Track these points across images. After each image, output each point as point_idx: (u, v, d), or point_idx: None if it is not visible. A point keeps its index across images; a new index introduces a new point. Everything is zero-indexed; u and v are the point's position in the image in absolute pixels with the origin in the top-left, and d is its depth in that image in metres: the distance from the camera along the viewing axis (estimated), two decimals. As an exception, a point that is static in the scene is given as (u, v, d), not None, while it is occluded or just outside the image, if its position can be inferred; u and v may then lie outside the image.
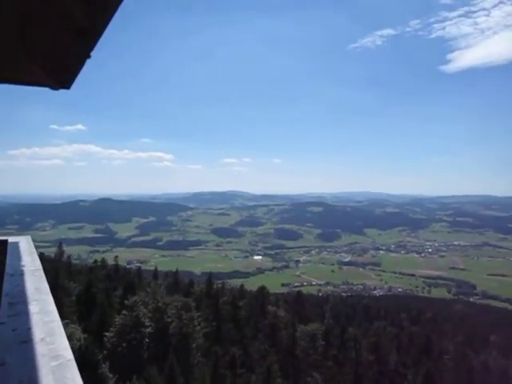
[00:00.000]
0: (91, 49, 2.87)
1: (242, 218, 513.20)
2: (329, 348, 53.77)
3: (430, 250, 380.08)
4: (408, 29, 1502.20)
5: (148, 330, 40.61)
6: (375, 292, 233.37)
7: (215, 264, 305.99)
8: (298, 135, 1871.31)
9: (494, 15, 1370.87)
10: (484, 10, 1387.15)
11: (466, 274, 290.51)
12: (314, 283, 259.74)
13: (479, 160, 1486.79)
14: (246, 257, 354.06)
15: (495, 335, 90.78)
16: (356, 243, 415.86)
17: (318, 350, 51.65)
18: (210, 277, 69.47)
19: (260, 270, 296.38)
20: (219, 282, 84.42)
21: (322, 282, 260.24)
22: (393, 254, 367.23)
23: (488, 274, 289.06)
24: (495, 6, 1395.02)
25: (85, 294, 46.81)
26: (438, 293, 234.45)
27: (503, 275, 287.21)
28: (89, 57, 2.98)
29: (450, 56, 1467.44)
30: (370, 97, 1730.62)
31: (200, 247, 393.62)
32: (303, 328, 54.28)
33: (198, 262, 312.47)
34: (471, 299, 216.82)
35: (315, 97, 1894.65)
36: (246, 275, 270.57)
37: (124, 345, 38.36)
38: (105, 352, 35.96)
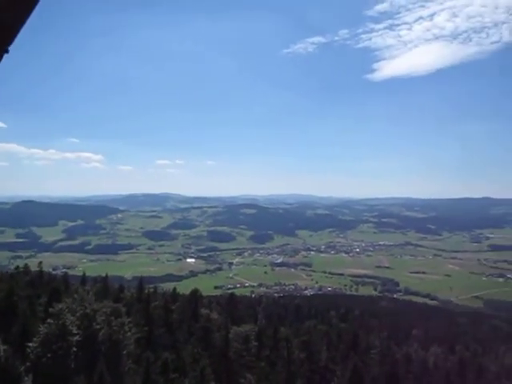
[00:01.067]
0: (9, 43, 2.69)
1: (175, 220, 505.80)
2: (262, 348, 54.37)
3: (357, 250, 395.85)
4: (337, 38, 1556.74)
5: (75, 338, 38.86)
6: (306, 292, 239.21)
7: (147, 268, 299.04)
8: (231, 137, 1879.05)
9: (415, 29, 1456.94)
10: (406, 23, 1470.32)
11: (391, 272, 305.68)
12: (247, 285, 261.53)
13: (403, 164, 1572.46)
14: (179, 260, 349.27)
15: (416, 329, 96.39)
16: (288, 244, 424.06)
17: (251, 350, 52.07)
18: (140, 281, 67.91)
19: (193, 273, 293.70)
20: (151, 286, 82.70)
21: (255, 284, 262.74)
22: (323, 255, 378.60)
23: (410, 272, 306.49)
24: (416, 20, 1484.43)
25: (4, 302, 43.97)
26: (365, 290, 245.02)
27: (423, 272, 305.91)
28: (7, 51, 2.81)
29: (375, 65, 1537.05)
30: (302, 101, 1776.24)
31: (131, 251, 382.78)
32: (236, 330, 54.51)
33: (128, 267, 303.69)
34: (395, 296, 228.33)
35: (249, 99, 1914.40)
36: (179, 278, 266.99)
37: (49, 355, 36.44)
38: (27, 364, 33.99)
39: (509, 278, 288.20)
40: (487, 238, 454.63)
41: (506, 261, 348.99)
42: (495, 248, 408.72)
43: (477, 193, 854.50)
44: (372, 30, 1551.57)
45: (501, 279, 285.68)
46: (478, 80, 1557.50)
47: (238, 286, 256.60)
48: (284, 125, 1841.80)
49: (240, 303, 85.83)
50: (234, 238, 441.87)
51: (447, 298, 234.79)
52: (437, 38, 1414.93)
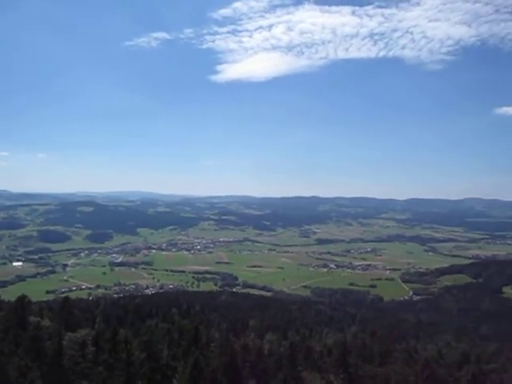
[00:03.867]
0: None
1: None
2: (99, 353, 51.77)
3: (198, 247, 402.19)
4: (182, 36, 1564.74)
5: None
6: (148, 291, 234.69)
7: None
8: (68, 130, 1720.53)
9: (256, 38, 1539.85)
10: (248, 31, 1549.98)
11: (230, 267, 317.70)
12: (83, 287, 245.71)
13: (241, 164, 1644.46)
14: (4, 264, 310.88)
15: (254, 319, 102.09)
16: (128, 243, 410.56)
17: (87, 356, 49.25)
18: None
19: (20, 278, 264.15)
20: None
21: (93, 286, 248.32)
22: (164, 253, 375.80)
23: (248, 266, 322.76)
24: (256, 29, 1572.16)
25: None
26: (206, 286, 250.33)
27: (260, 266, 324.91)
28: None
29: (219, 67, 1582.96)
30: (144, 97, 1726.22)
31: None
32: (71, 336, 50.95)
33: None
34: (234, 289, 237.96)
35: (86, 90, 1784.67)
36: (3, 284, 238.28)
37: None
38: None
39: (331, 267, 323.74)
40: (314, 233, 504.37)
41: (329, 252, 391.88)
42: (321, 241, 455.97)
43: (306, 192, 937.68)
44: (216, 33, 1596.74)
45: (325, 269, 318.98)
46: (308, 90, 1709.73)
47: (74, 288, 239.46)
48: (125, 119, 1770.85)
49: (76, 307, 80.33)
50: (69, 237, 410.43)
51: (281, 288, 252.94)
52: (274, 48, 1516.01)
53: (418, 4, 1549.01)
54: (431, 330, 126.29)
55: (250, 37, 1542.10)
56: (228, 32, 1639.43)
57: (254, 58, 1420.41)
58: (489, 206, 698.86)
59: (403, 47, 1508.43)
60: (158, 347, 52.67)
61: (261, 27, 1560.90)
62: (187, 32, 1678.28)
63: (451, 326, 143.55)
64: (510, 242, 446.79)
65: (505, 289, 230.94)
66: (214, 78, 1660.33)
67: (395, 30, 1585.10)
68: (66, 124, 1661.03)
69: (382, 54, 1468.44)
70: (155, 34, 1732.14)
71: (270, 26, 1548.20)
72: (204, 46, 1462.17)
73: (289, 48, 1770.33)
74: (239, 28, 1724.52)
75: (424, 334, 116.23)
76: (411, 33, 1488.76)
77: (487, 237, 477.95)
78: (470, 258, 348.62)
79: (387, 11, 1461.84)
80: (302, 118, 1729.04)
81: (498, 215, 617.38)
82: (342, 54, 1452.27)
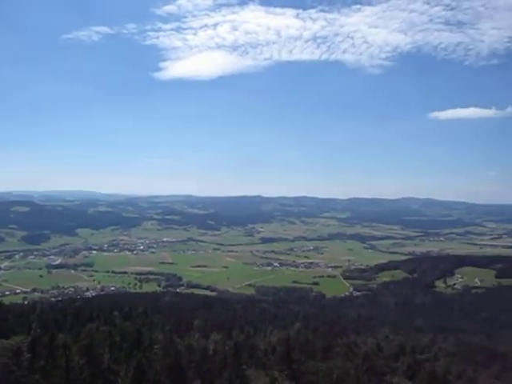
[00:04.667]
0: None
1: None
2: (36, 360, 49.52)
3: (141, 248, 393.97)
4: (125, 31, 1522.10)
5: None
6: (88, 293, 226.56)
7: None
8: (5, 126, 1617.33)
9: (200, 36, 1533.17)
10: (192, 29, 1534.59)
11: (174, 267, 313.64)
12: (18, 291, 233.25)
13: (184, 163, 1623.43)
14: None
15: (198, 319, 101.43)
16: (67, 244, 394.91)
17: (22, 364, 46.96)
18: None
19: None
20: None
21: (28, 289, 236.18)
22: (106, 254, 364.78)
23: (192, 266, 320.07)
24: (201, 28, 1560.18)
25: None
26: (150, 287, 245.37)
27: (204, 266, 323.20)
28: None
29: (162, 64, 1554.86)
30: (83, 92, 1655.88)
31: None
32: (4, 343, 48.41)
33: None
34: (178, 290, 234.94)
35: (21, 83, 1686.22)
36: None
37: None
38: None
39: (275, 266, 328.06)
40: (258, 232, 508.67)
41: (273, 251, 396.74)
42: (265, 240, 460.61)
43: (251, 191, 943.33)
44: (160, 29, 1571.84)
45: (269, 267, 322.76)
46: (253, 90, 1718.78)
47: (8, 293, 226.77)
48: (64, 116, 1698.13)
49: (9, 313, 76.40)
50: (2, 239, 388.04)
51: (225, 288, 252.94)
52: (219, 47, 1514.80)
53: (359, 10, 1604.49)
54: (370, 324, 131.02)
55: (195, 35, 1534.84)
56: (172, 29, 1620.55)
57: (198, 56, 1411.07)
58: (424, 205, 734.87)
59: (344, 51, 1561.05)
60: (99, 351, 51.17)
61: (206, 25, 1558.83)
62: (130, 27, 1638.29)
63: (389, 320, 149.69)
64: (442, 239, 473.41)
65: (437, 283, 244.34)
66: (157, 75, 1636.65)
67: (337, 35, 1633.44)
68: (3, 120, 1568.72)
69: (324, 56, 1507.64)
70: (96, 28, 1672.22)
71: (215, 25, 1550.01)
72: (147, 42, 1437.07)
73: (234, 47, 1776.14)
74: (183, 25, 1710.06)
75: (364, 328, 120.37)
76: (352, 38, 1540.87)
77: (422, 234, 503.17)
78: (406, 255, 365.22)
79: (329, 16, 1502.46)
80: (247, 118, 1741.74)
81: (432, 214, 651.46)
82: (286, 56, 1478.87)
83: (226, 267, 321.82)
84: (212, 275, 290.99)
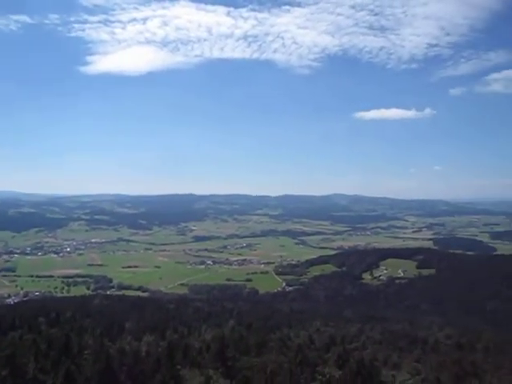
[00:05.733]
0: None
1: None
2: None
3: (68, 250, 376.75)
4: (47, 21, 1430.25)
5: None
6: (10, 300, 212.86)
7: None
8: None
9: (129, 30, 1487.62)
10: (121, 22, 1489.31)
11: (104, 269, 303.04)
12: None
13: (113, 161, 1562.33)
14: None
15: (130, 321, 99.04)
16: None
17: None
18: None
19: None
20: None
21: None
22: (29, 257, 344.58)
23: (122, 267, 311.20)
24: (130, 21, 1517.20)
25: None
26: (78, 291, 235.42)
27: (135, 266, 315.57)
28: None
29: (89, 58, 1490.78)
30: (2, 85, 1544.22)
31: None
32: None
33: None
34: (108, 292, 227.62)
35: None
36: None
37: None
38: None
39: (208, 264, 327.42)
40: (191, 230, 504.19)
41: (206, 249, 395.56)
42: (198, 239, 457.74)
43: (182, 189, 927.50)
44: (86, 21, 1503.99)
45: (202, 266, 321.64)
46: (183, 87, 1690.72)
47: None
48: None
49: None
50: None
51: (158, 288, 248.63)
52: (149, 42, 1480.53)
53: (289, 11, 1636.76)
54: (303, 318, 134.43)
55: (123, 29, 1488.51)
56: (99, 21, 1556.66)
57: (127, 50, 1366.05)
58: (351, 201, 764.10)
59: (275, 51, 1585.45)
60: (23, 361, 48.60)
61: (135, 19, 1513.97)
62: (53, 18, 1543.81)
63: (320, 313, 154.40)
64: (368, 233, 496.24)
65: (364, 275, 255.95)
66: (83, 69, 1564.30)
67: (268, 34, 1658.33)
68: None
69: (255, 55, 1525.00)
70: (15, 17, 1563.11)
71: (145, 19, 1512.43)
72: (72, 35, 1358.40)
73: (164, 43, 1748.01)
74: (111, 18, 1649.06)
75: (296, 321, 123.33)
76: (282, 38, 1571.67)
77: (350, 229, 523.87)
78: (335, 249, 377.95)
79: (260, 15, 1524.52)
80: (177, 115, 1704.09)
81: (359, 209, 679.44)
82: (217, 53, 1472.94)
83: (159, 267, 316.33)
84: (144, 275, 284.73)
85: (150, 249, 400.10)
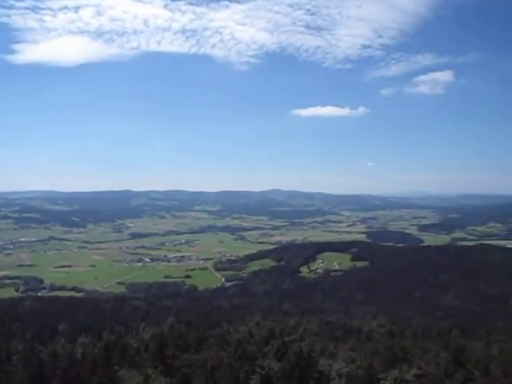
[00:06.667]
0: None
1: None
2: None
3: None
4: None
5: None
6: None
7: None
8: None
9: (60, 18, 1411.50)
10: (51, 9, 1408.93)
11: (34, 269, 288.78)
12: None
13: (42, 156, 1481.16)
14: None
15: (63, 323, 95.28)
16: None
17: None
18: None
19: None
20: None
21: None
22: None
23: (55, 267, 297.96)
24: (61, 9, 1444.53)
25: None
26: (6, 293, 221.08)
27: (69, 266, 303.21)
28: None
29: (16, 46, 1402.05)
30: None
31: None
32: None
33: None
34: (40, 293, 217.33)
35: None
36: None
37: None
38: None
39: (146, 261, 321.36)
40: (128, 228, 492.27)
41: (143, 246, 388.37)
42: (135, 236, 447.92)
43: (118, 186, 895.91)
44: (12, 7, 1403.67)
45: (140, 264, 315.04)
46: (119, 80, 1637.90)
47: None
48: None
49: None
50: None
51: (93, 287, 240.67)
52: (82, 32, 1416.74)
53: (227, 7, 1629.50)
54: (242, 313, 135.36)
55: (54, 17, 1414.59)
56: (27, 8, 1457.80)
57: (58, 40, 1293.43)
58: (289, 196, 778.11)
59: (213, 46, 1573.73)
60: None
61: (66, 7, 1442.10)
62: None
63: (259, 307, 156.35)
64: (305, 228, 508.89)
65: (302, 269, 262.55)
66: (10, 57, 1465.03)
67: (206, 29, 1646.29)
68: None
69: (193, 50, 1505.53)
70: None
71: (77, 8, 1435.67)
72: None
73: (98, 34, 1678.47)
74: (41, 5, 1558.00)
75: (236, 316, 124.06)
76: (221, 33, 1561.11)
77: (287, 224, 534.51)
78: (273, 244, 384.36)
79: (198, 9, 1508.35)
80: (113, 108, 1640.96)
81: (296, 204, 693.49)
82: (154, 46, 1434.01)
83: (94, 266, 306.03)
84: (78, 275, 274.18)
85: (85, 247, 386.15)
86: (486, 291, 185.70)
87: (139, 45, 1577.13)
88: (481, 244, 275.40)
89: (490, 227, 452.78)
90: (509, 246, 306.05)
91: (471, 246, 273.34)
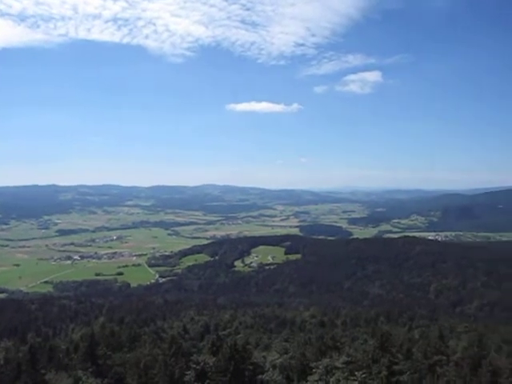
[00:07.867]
0: None
1: None
2: None
3: None
4: None
5: None
6: None
7: None
8: None
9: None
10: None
11: None
12: None
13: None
14: None
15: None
16: None
17: None
18: None
19: None
20: None
21: None
22: None
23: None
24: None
25: None
26: None
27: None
28: None
29: None
30: None
31: None
32: None
33: None
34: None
35: None
36: None
37: None
38: None
39: (75, 259, 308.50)
40: (55, 224, 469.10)
41: (72, 243, 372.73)
42: (63, 232, 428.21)
43: (43, 180, 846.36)
44: None
45: (68, 261, 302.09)
46: (45, 67, 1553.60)
47: None
48: None
49: None
50: None
51: (17, 288, 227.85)
52: (3, 14, 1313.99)
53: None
54: (177, 308, 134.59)
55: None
56: None
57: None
58: (223, 191, 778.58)
59: (147, 37, 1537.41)
60: None
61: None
62: None
63: (194, 302, 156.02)
64: (240, 222, 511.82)
65: (236, 263, 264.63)
66: None
67: (139, 19, 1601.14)
68: None
69: (126, 40, 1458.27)
70: None
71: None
72: None
73: (21, 18, 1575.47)
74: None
75: (170, 313, 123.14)
76: (155, 24, 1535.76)
77: (222, 218, 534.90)
78: (208, 239, 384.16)
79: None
80: (37, 98, 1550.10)
81: (230, 199, 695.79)
82: (83, 34, 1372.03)
83: (18, 265, 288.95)
84: (0, 275, 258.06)
85: (7, 245, 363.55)
86: (409, 280, 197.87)
87: (67, 32, 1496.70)
88: (404, 236, 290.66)
89: (412, 220, 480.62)
90: (430, 237, 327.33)
91: (396, 238, 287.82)
